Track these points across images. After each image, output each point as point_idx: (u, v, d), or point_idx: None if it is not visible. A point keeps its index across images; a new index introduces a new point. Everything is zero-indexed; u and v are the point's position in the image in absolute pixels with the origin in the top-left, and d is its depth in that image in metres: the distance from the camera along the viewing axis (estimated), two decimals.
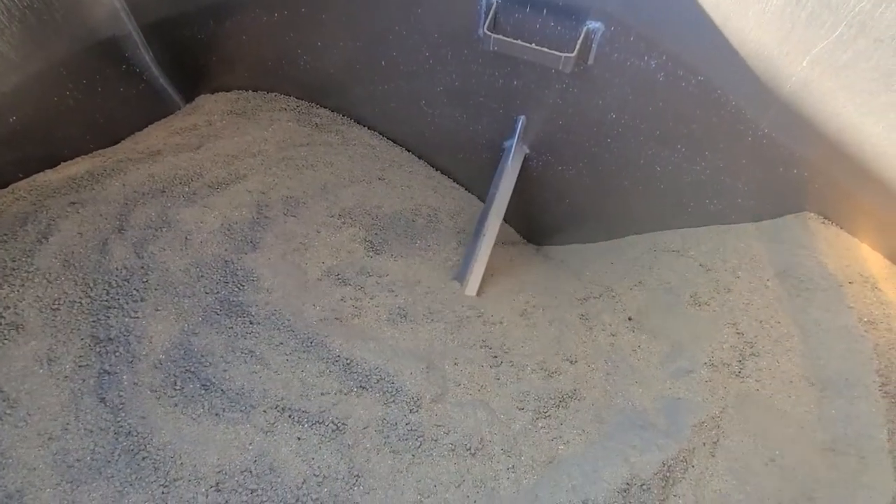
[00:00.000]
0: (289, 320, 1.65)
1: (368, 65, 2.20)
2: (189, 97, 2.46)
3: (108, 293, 1.58)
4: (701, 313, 1.69)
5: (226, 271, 1.74)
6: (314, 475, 1.36)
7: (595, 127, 1.93)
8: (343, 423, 1.46)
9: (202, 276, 1.71)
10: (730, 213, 1.87)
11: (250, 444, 1.40)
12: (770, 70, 1.52)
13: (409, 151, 2.51)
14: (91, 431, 1.35)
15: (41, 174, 1.93)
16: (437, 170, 2.51)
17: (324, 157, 2.27)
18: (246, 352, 1.55)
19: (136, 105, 2.24)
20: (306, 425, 1.44)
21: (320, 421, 1.45)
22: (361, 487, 1.36)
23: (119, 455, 1.33)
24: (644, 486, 1.31)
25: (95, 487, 1.28)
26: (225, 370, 1.50)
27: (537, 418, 1.49)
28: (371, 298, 1.80)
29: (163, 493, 1.29)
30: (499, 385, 1.59)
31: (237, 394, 1.46)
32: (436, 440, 1.42)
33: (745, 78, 1.56)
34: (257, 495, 1.32)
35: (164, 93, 2.34)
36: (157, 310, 1.59)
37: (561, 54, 1.69)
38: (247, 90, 2.52)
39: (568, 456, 1.41)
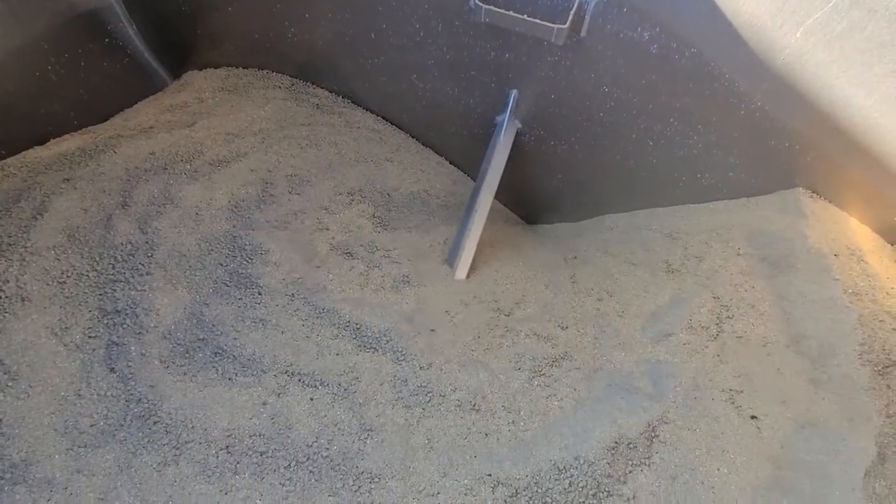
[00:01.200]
0: (298, 290, 1.71)
1: (358, 38, 2.15)
2: (176, 73, 2.41)
3: (113, 267, 1.62)
4: (683, 283, 1.73)
5: (234, 246, 1.79)
6: (325, 431, 1.42)
7: (587, 101, 1.91)
8: (355, 382, 1.53)
9: (212, 250, 1.76)
10: (722, 187, 1.87)
11: (263, 404, 1.45)
12: (764, 42, 1.50)
13: (414, 138, 2.51)
14: (103, 398, 1.39)
15: (31, 151, 1.92)
16: (428, 146, 2.49)
17: (327, 138, 2.28)
18: (256, 320, 1.61)
19: (122, 81, 2.20)
20: (318, 386, 1.51)
21: (332, 382, 1.52)
22: (373, 440, 1.42)
23: (131, 420, 1.37)
24: (630, 445, 1.38)
25: (108, 450, 1.32)
26: (236, 338, 1.56)
27: (533, 377, 1.58)
28: (378, 269, 1.88)
29: (175, 454, 1.33)
30: (497, 348, 1.68)
31: (249, 359, 1.52)
32: (443, 396, 1.51)
33: (739, 50, 1.54)
34: (268, 456, 1.37)
35: (150, 67, 2.29)
36: (164, 283, 1.63)
37: (553, 26, 1.66)
38: (236, 67, 2.47)
39: (561, 416, 1.48)
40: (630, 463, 1.36)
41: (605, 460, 1.35)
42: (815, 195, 1.73)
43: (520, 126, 2.15)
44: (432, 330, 1.70)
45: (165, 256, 1.69)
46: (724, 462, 1.35)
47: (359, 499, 1.30)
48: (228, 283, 1.69)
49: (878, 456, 1.28)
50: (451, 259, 1.99)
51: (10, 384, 1.37)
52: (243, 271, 1.73)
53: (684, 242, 1.86)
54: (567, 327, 1.77)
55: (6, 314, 1.46)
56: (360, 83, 2.38)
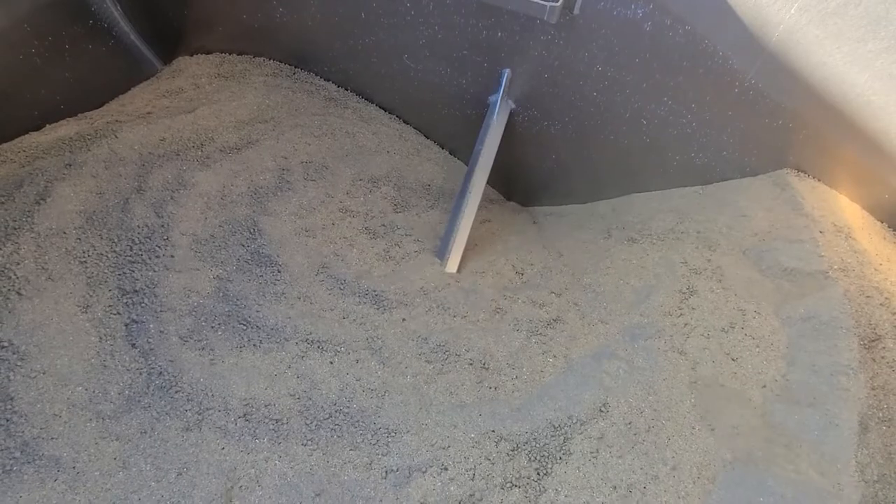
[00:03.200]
0: (320, 268, 1.81)
1: (348, 17, 2.11)
2: (166, 59, 2.37)
3: (131, 249, 1.68)
4: (671, 260, 1.78)
5: (255, 230, 1.85)
6: (346, 390, 1.53)
7: (581, 80, 1.90)
8: (375, 344, 1.64)
9: (234, 232, 1.82)
10: (715, 165, 1.87)
11: (288, 367, 1.54)
12: (758, 18, 1.48)
13: (427, 137, 2.53)
14: (126, 370, 1.47)
15: (28, 136, 1.91)
16: (420, 127, 2.48)
17: (342, 128, 2.31)
18: (278, 294, 1.71)
19: (108, 64, 2.16)
20: (340, 351, 1.61)
21: (352, 345, 1.63)
22: (391, 398, 1.53)
23: (153, 391, 1.45)
24: (617, 406, 1.48)
25: (133, 417, 1.40)
26: (258, 311, 1.65)
27: (531, 335, 1.73)
28: (399, 247, 1.98)
29: (198, 419, 1.42)
30: (501, 312, 1.82)
31: (272, 329, 1.62)
32: (458, 355, 1.65)
33: (733, 27, 1.52)
34: (285, 422, 1.45)
35: (136, 50, 2.24)
36: (180, 265, 1.69)
37: (546, 3, 1.63)
38: (228, 53, 2.44)
39: (554, 378, 1.60)
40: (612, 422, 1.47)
41: (594, 420, 1.45)
42: (802, 174, 1.74)
43: (513, 106, 2.14)
44: (446, 299, 1.83)
45: (181, 239, 1.74)
46: (707, 427, 1.40)
47: (377, 451, 1.41)
48: (250, 261, 1.77)
49: (861, 426, 1.31)
50: (441, 252, 1.99)
51: (38, 356, 1.42)
52: (264, 251, 1.80)
53: (675, 222, 1.88)
54: (561, 294, 1.88)
55: (27, 292, 1.50)
56: (351, 64, 2.34)
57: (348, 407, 1.49)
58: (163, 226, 1.74)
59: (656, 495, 1.33)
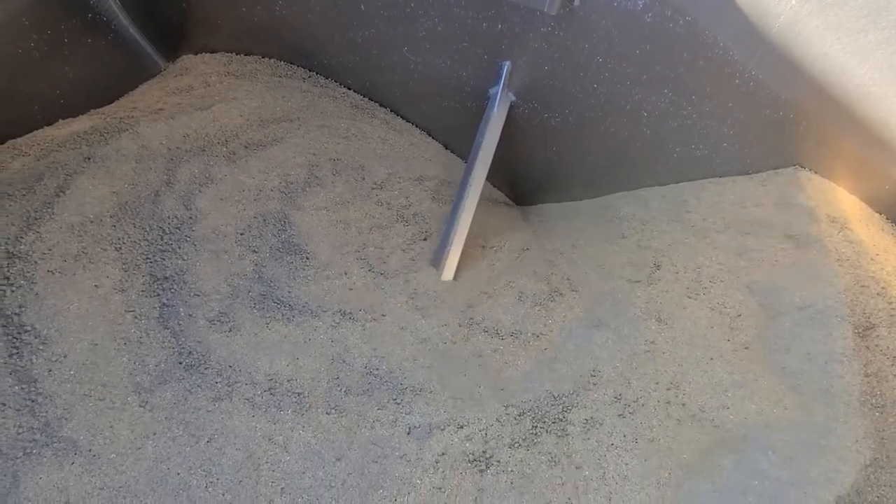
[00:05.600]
0: (352, 253, 1.91)
1: (347, 9, 2.11)
2: (167, 55, 2.37)
3: (162, 238, 1.77)
4: (667, 253, 1.83)
5: (285, 222, 1.93)
6: (377, 355, 1.67)
7: (581, 72, 1.89)
8: (408, 313, 1.78)
9: (266, 223, 1.90)
10: (715, 157, 1.88)
11: (322, 335, 1.68)
12: (759, 9, 1.48)
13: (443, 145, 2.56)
14: (161, 348, 1.57)
15: (41, 130, 1.96)
16: (420, 121, 2.48)
17: (372, 133, 2.36)
18: (309, 278, 1.81)
19: (109, 61, 2.15)
20: (372, 319, 1.74)
21: (385, 312, 1.76)
22: (419, 361, 1.68)
23: (185, 368, 1.56)
24: (610, 371, 1.63)
25: (167, 388, 1.51)
26: (290, 291, 1.76)
27: (535, 305, 1.88)
28: (430, 231, 2.08)
29: (228, 390, 1.54)
30: (508, 289, 1.96)
31: (304, 305, 1.74)
32: (479, 324, 1.83)
33: (734, 18, 1.52)
34: (305, 395, 1.56)
35: (137, 46, 2.24)
36: (208, 254, 1.78)
37: None
38: (235, 53, 2.47)
39: (551, 351, 1.75)
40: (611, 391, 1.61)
41: (590, 391, 1.61)
42: (801, 165, 1.75)
43: (513, 99, 2.14)
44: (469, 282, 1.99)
45: (208, 230, 1.84)
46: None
47: (401, 410, 1.57)
48: (281, 250, 1.85)
49: (854, 412, 1.35)
50: (436, 259, 1.99)
51: (77, 334, 1.52)
52: (294, 241, 1.88)
53: (673, 214, 1.90)
54: (556, 273, 2.00)
55: (47, 278, 1.58)
56: (350, 57, 2.33)
57: (378, 369, 1.64)
58: (191, 217, 1.84)
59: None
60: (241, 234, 1.86)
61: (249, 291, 1.74)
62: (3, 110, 1.87)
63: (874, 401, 1.38)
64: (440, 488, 1.43)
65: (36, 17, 1.87)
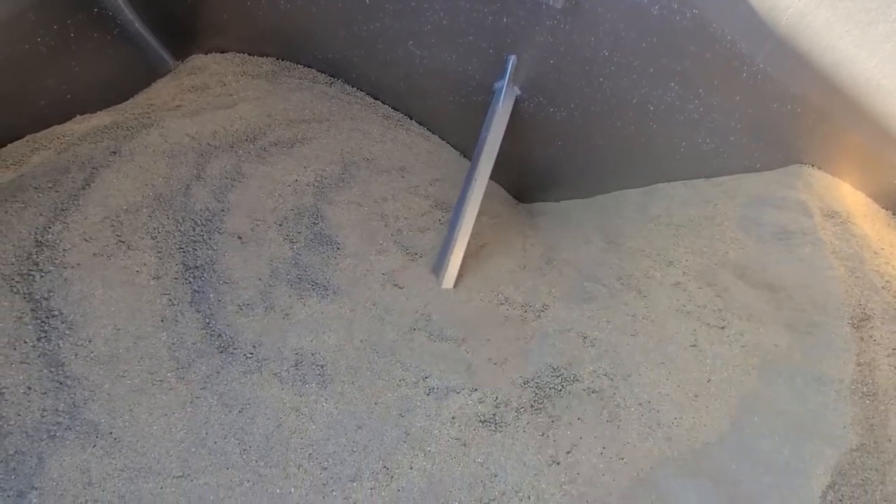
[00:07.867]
0: (382, 246, 1.99)
1: (352, 3, 2.10)
2: (174, 50, 2.39)
3: (193, 230, 1.85)
4: (674, 248, 1.84)
5: (317, 217, 2.01)
6: (404, 335, 1.78)
7: (587, 66, 1.89)
8: (433, 301, 1.86)
9: (301, 215, 1.99)
10: (722, 151, 1.87)
11: (356, 312, 1.79)
12: (767, 1, 1.47)
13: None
14: (195, 329, 1.66)
15: (60, 126, 2.01)
16: (425, 116, 2.48)
17: (401, 139, 2.42)
18: (341, 268, 1.90)
19: (115, 54, 2.16)
20: (397, 304, 1.84)
21: (413, 298, 1.86)
22: (442, 342, 1.79)
23: (216, 348, 1.64)
24: (604, 336, 1.77)
25: (202, 363, 1.60)
26: (324, 274, 1.87)
27: (537, 282, 2.01)
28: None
29: (258, 366, 1.63)
30: (521, 274, 2.08)
31: (336, 290, 1.84)
32: (500, 303, 1.96)
33: (741, 11, 1.51)
34: (327, 366, 1.67)
35: (142, 39, 2.24)
36: (238, 245, 1.87)
37: None
38: (248, 54, 2.51)
39: (549, 327, 1.87)
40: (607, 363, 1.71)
41: (589, 364, 1.72)
42: (808, 161, 1.75)
43: (518, 93, 2.13)
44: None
45: (243, 222, 1.92)
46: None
47: (422, 373, 1.70)
48: (313, 241, 1.94)
49: (846, 399, 1.39)
50: (437, 266, 1.98)
51: (123, 313, 1.61)
52: (326, 233, 1.96)
53: (681, 212, 1.91)
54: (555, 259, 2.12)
55: (75, 265, 1.63)
56: (356, 51, 2.33)
57: (402, 348, 1.74)
58: (222, 210, 1.92)
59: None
60: (280, 226, 1.95)
61: (287, 274, 1.84)
62: (12, 106, 1.89)
63: (865, 389, 1.43)
64: (458, 439, 1.56)
65: (43, 12, 1.87)
